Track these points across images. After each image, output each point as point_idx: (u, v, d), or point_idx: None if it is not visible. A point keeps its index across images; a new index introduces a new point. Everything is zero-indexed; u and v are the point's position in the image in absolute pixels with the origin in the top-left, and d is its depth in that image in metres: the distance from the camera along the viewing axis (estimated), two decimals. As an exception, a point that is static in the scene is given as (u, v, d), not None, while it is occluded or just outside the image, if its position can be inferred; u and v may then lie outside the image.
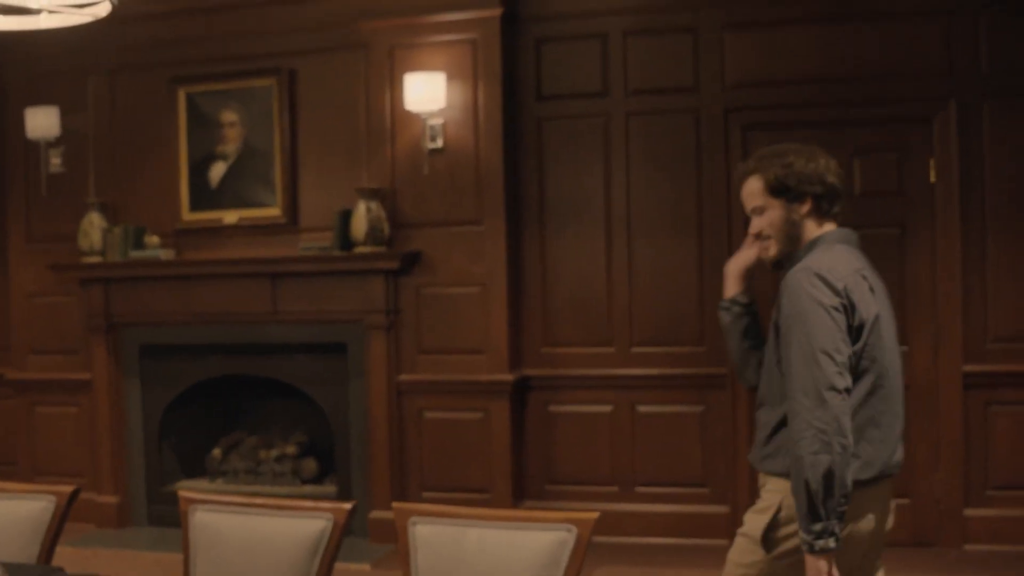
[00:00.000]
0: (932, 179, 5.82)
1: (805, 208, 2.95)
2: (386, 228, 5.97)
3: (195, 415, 6.70)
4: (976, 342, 5.77)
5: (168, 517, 6.19)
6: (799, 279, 2.80)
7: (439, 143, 5.99)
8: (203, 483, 6.57)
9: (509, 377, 5.95)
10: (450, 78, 5.94)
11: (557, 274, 6.13)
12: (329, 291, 6.11)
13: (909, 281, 5.86)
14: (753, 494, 3.05)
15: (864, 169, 5.90)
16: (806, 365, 2.73)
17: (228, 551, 2.95)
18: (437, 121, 5.97)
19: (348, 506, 2.93)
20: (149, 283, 6.42)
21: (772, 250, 2.96)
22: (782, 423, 2.86)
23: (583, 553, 2.66)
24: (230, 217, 6.35)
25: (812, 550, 2.66)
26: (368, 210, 5.92)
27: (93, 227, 6.46)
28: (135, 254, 6.37)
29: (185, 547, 2.98)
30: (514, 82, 6.12)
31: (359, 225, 5.92)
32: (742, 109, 5.97)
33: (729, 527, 5.45)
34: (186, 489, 6.38)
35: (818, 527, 2.66)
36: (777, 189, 2.94)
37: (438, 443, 6.06)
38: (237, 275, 6.23)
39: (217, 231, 6.39)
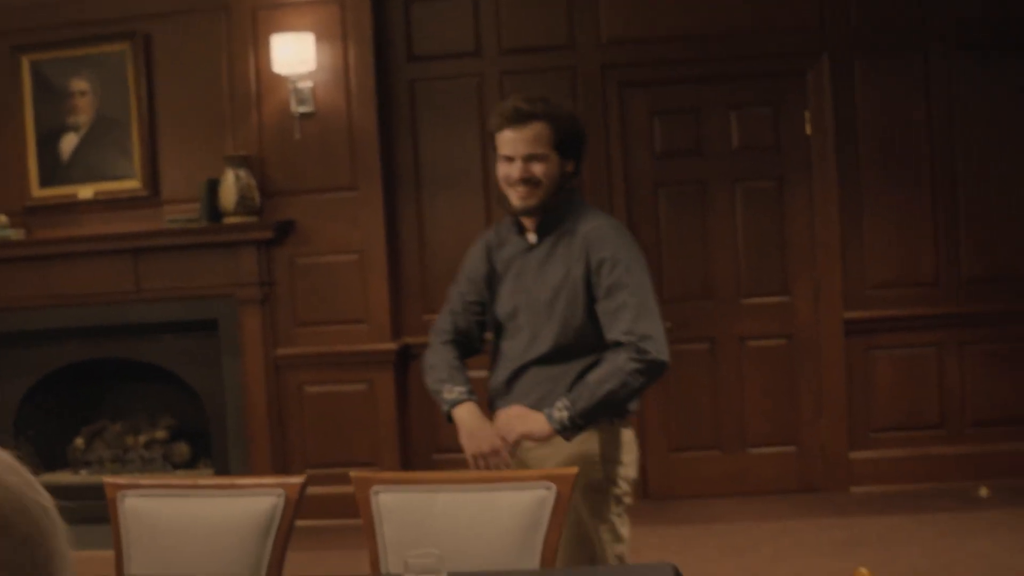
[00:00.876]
0: (808, 132, 5.97)
1: (570, 167, 3.08)
2: (256, 197, 5.81)
3: (54, 404, 6.41)
4: (855, 290, 5.96)
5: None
6: (615, 229, 3.09)
7: (309, 107, 5.86)
8: (66, 475, 6.30)
9: (392, 346, 5.88)
10: (318, 39, 5.81)
11: (435, 240, 6.07)
12: (197, 265, 5.92)
13: (788, 233, 6.01)
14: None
15: (741, 123, 6.03)
16: (651, 310, 3.00)
17: (168, 539, 2.76)
18: (306, 84, 5.84)
19: (299, 479, 2.80)
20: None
21: (533, 200, 3.02)
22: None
23: (563, 511, 2.63)
24: (85, 192, 6.08)
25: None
26: (237, 178, 5.75)
27: (-68, 208, 6.10)
28: (-19, 235, 6.04)
29: (116, 539, 2.76)
30: (384, 43, 6.03)
31: (228, 195, 5.75)
32: (618, 66, 6.01)
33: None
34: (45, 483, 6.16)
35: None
36: (564, 143, 3.03)
37: (321, 418, 5.95)
38: (96, 252, 5.97)
39: (71, 207, 6.11)
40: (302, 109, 5.84)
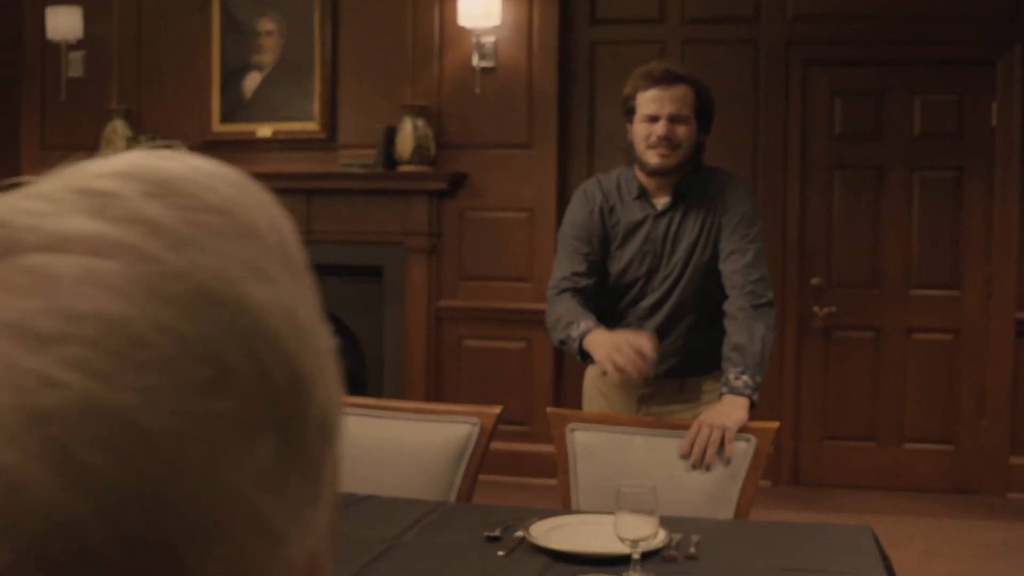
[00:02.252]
0: (993, 123, 5.92)
1: (703, 137, 3.22)
2: (432, 148, 6.00)
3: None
4: (1031, 290, 5.91)
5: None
6: (743, 183, 3.26)
7: (491, 62, 6.01)
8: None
9: (554, 307, 6.00)
10: (505, -6, 5.96)
11: (603, 205, 6.16)
12: (368, 211, 6.13)
13: (964, 225, 5.98)
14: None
15: (923, 109, 6.00)
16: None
17: (363, 459, 2.92)
18: (489, 39, 5.99)
19: (495, 410, 2.95)
20: (175, 196, 6.38)
21: (672, 160, 3.12)
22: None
23: (761, 464, 2.75)
24: (264, 130, 6.34)
25: None
26: (414, 128, 5.94)
27: (117, 135, 6.42)
28: (162, 165, 6.32)
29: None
30: (568, 3, 6.15)
31: (404, 143, 5.94)
32: (803, 43, 6.04)
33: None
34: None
35: None
36: (702, 112, 3.17)
37: (477, 373, 6.12)
38: (271, 191, 6.18)
39: (250, 144, 6.38)
40: (483, 64, 6.00)
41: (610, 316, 3.29)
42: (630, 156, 3.20)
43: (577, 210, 3.28)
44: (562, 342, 3.10)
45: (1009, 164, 5.90)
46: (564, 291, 3.20)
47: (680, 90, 3.09)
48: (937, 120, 6.01)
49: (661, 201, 3.21)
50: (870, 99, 6.06)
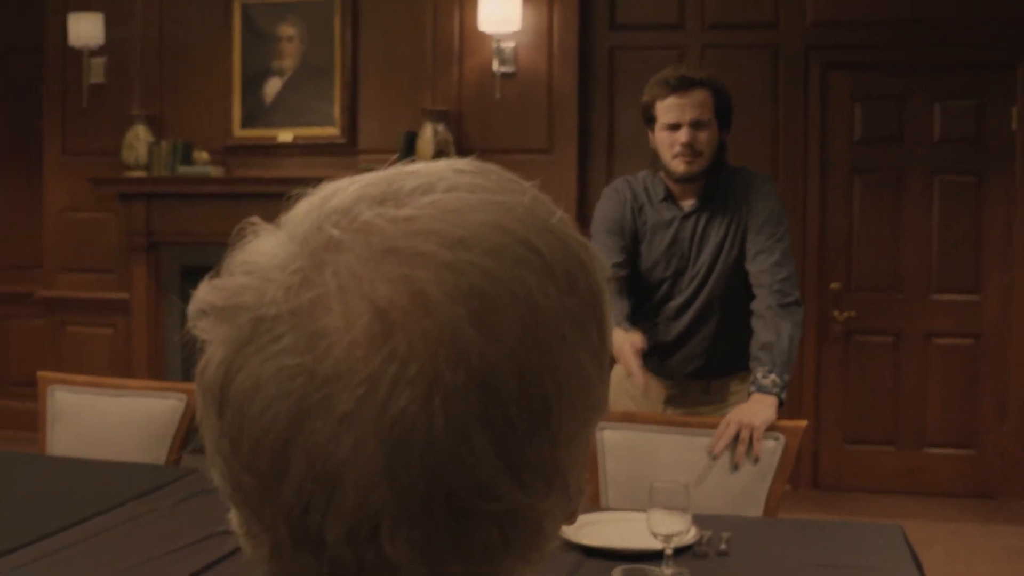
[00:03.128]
0: (1013, 127, 5.93)
1: (724, 136, 3.22)
2: (452, 152, 6.02)
3: (237, 340, 6.72)
4: (1051, 294, 5.92)
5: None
6: (767, 181, 3.25)
7: (511, 67, 6.05)
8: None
9: (575, 310, 6.02)
10: (525, 0, 5.98)
11: (622, 209, 6.19)
12: (389, 216, 6.13)
13: (984, 230, 6.00)
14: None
15: (943, 115, 6.02)
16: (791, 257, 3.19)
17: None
18: (509, 44, 6.02)
19: None
20: (195, 201, 6.44)
21: (697, 166, 3.14)
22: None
23: (790, 462, 2.77)
24: (284, 135, 6.38)
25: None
26: (435, 133, 5.97)
27: (139, 140, 6.47)
28: (183, 169, 6.38)
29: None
30: (588, 8, 6.19)
31: (425, 148, 5.97)
32: (822, 48, 6.06)
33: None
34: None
35: None
36: (722, 112, 3.17)
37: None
38: (290, 195, 6.22)
39: (270, 149, 6.42)
40: (504, 69, 6.03)
41: (638, 316, 3.32)
42: (655, 164, 3.22)
43: (609, 205, 3.31)
44: None
45: (1029, 169, 5.92)
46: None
47: (698, 95, 3.11)
48: (957, 125, 6.02)
49: (688, 203, 3.24)
50: (890, 104, 6.08)
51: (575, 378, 0.64)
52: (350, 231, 0.63)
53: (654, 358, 3.30)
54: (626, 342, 2.98)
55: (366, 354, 0.59)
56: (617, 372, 3.40)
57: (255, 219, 0.69)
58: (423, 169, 0.68)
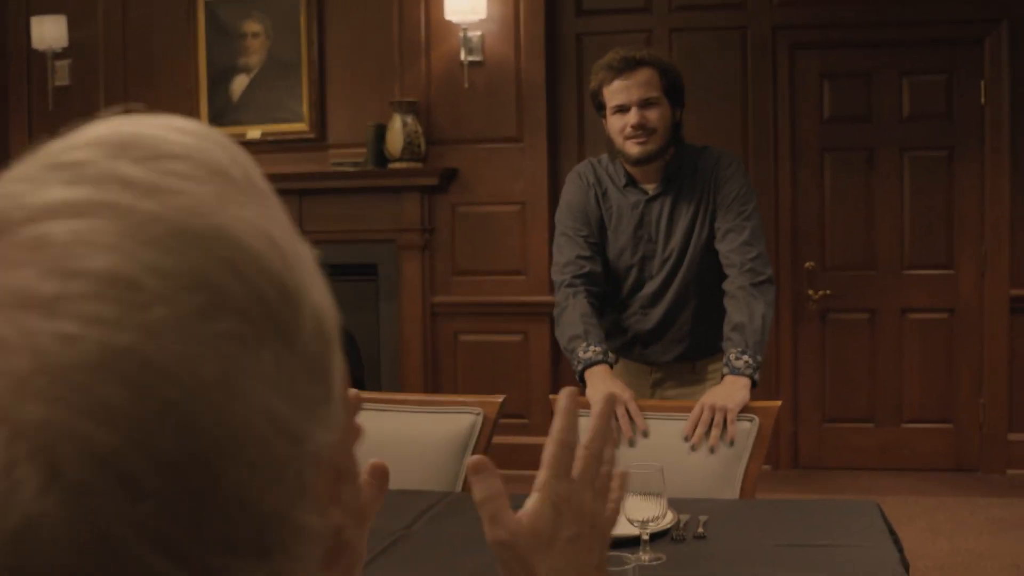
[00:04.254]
0: (982, 101, 5.95)
1: (678, 115, 3.18)
2: (422, 144, 6.01)
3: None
4: (1023, 266, 5.93)
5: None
6: (734, 159, 3.23)
7: (478, 56, 6.03)
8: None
9: (549, 299, 5.98)
10: (490, -12, 5.97)
11: (595, 195, 6.19)
12: (360, 209, 6.14)
13: (956, 205, 6.01)
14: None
15: (912, 90, 6.03)
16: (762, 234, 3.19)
17: (367, 453, 2.93)
18: (476, 33, 6.00)
19: (498, 399, 2.98)
20: (166, 201, 6.37)
21: (652, 145, 3.11)
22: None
23: (765, 443, 2.77)
24: (253, 132, 6.35)
25: None
26: (404, 124, 5.95)
27: (106, 142, 6.40)
28: (152, 170, 6.32)
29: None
30: (554, -6, 6.16)
31: (394, 140, 5.95)
32: (790, 28, 6.06)
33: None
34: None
35: None
36: (671, 89, 3.13)
37: (474, 367, 6.14)
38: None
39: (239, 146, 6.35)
40: (471, 58, 6.01)
41: (614, 306, 3.30)
42: (611, 150, 3.20)
43: (573, 192, 3.28)
44: (567, 349, 3.14)
45: (999, 142, 5.93)
46: (574, 282, 3.17)
47: (643, 74, 3.07)
48: (926, 100, 6.03)
49: (651, 186, 3.22)
50: (858, 81, 6.08)
51: (244, 422, 0.48)
52: None
53: (636, 348, 3.30)
54: (621, 401, 2.96)
55: None
56: None
57: None
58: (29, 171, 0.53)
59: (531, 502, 0.95)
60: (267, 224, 0.52)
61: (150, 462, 0.45)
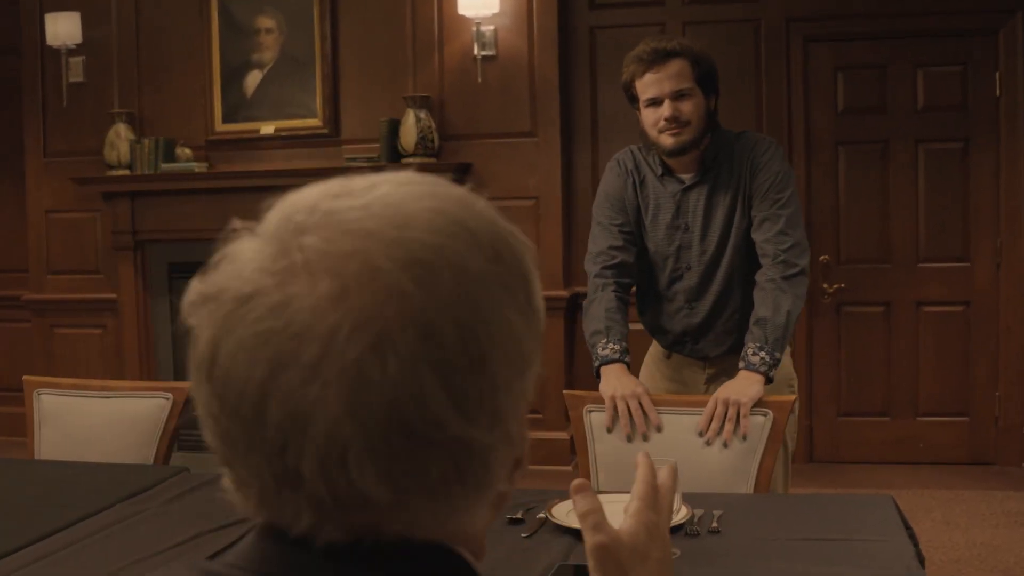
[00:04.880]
0: (997, 93, 5.92)
1: (712, 103, 3.15)
2: (435, 139, 6.01)
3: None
4: (1040, 258, 5.92)
5: (201, 442, 6.21)
6: (771, 143, 3.16)
7: (491, 51, 6.02)
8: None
9: (563, 293, 6.03)
10: (503, -18, 5.97)
11: (608, 189, 6.18)
12: (374, 205, 6.11)
13: (971, 196, 6.00)
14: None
15: (927, 82, 6.01)
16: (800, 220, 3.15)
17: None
18: (489, 27, 6.00)
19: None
20: (180, 197, 6.41)
21: (687, 136, 3.08)
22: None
23: (779, 438, 2.76)
24: (266, 128, 6.36)
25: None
26: (417, 119, 5.95)
27: (120, 139, 6.44)
28: (166, 166, 6.36)
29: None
30: (567, -12, 6.16)
31: (408, 135, 5.95)
32: (803, 20, 6.04)
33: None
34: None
35: None
36: (704, 78, 3.10)
37: (488, 362, 6.11)
38: (276, 187, 6.11)
39: (253, 142, 6.40)
40: (484, 52, 6.01)
41: (654, 298, 3.28)
42: (646, 142, 3.17)
43: (611, 181, 3.26)
44: (589, 343, 3.15)
45: (1014, 133, 5.91)
46: (604, 273, 3.17)
47: (675, 66, 3.04)
48: (941, 92, 6.01)
49: (688, 176, 3.18)
50: (873, 73, 6.06)
51: (504, 330, 0.77)
52: (312, 218, 0.76)
53: (687, 343, 3.27)
54: (636, 396, 2.97)
55: (325, 313, 0.72)
56: (656, 353, 3.39)
57: (236, 222, 0.80)
58: (370, 175, 0.81)
59: (627, 523, 1.12)
60: (526, 243, 0.83)
61: (450, 320, 0.73)
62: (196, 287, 0.78)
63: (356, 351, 0.71)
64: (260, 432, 0.74)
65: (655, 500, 1.14)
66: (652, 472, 1.17)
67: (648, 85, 3.06)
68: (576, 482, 1.09)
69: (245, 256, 0.76)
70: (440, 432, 0.73)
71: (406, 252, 0.74)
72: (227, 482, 0.81)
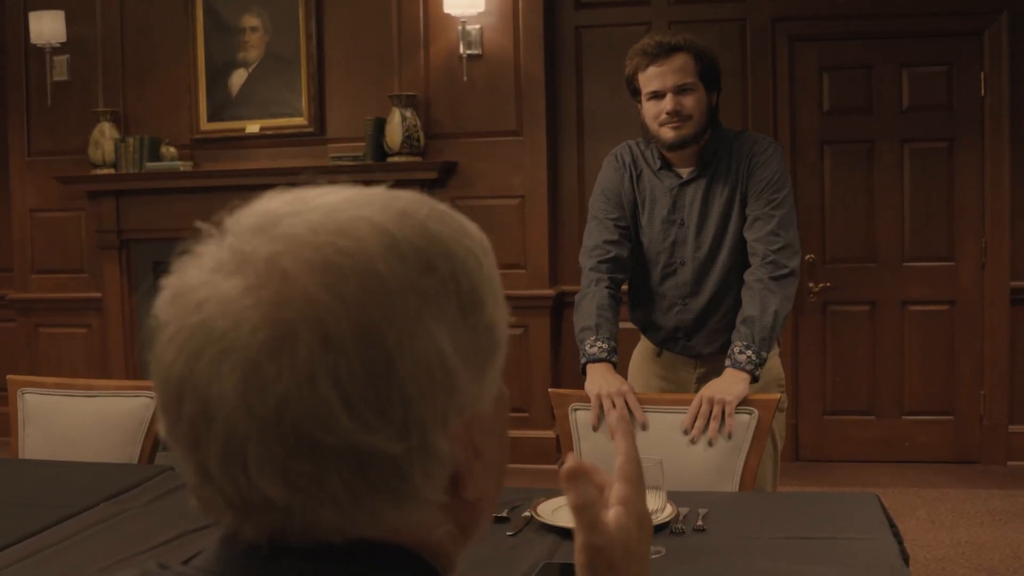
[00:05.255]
0: (982, 93, 5.94)
1: (714, 99, 3.16)
2: (421, 138, 6.01)
3: (212, 335, 6.69)
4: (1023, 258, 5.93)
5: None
6: (770, 143, 3.17)
7: (477, 49, 6.02)
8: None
9: (550, 292, 6.04)
10: (488, -20, 5.97)
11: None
12: (360, 203, 6.11)
13: (956, 196, 6.01)
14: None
15: (912, 82, 6.03)
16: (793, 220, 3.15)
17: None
18: (474, 26, 6.00)
19: None
20: (165, 196, 6.39)
21: (687, 130, 3.09)
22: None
23: (764, 436, 2.77)
24: (252, 126, 6.35)
25: None
26: (403, 118, 5.95)
27: (105, 138, 6.42)
28: (151, 165, 6.34)
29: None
30: (552, -12, 6.16)
31: (394, 134, 5.95)
32: (789, 19, 6.05)
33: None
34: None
35: None
36: (706, 73, 3.11)
37: (475, 361, 6.11)
38: (260, 186, 6.09)
39: (238, 141, 6.38)
40: (470, 51, 6.01)
41: (646, 294, 3.28)
42: (646, 135, 3.17)
43: (607, 175, 3.27)
44: (579, 338, 3.15)
45: (999, 133, 5.93)
46: (599, 267, 3.17)
47: (678, 60, 3.05)
48: (926, 92, 6.03)
49: (686, 170, 3.18)
50: (858, 73, 6.08)
51: (421, 341, 0.75)
52: (254, 221, 0.79)
53: (680, 340, 3.27)
54: (622, 394, 2.98)
55: (236, 310, 0.73)
56: (644, 351, 3.39)
57: (200, 223, 0.81)
58: (345, 188, 0.82)
59: (618, 516, 1.00)
60: (482, 257, 0.82)
61: (353, 329, 0.73)
62: (162, 283, 0.81)
63: (255, 347, 0.72)
64: (180, 426, 0.76)
65: (640, 481, 1.05)
66: (633, 443, 1.07)
67: (651, 78, 3.07)
68: (568, 467, 0.98)
69: (197, 255, 0.79)
70: (332, 436, 0.73)
71: (320, 256, 0.75)
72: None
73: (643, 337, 3.41)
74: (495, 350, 0.81)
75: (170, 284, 0.79)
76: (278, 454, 0.73)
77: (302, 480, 0.74)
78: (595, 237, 3.23)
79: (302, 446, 0.73)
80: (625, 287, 3.32)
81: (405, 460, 0.75)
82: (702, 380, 3.24)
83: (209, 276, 0.76)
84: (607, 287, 3.16)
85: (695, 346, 3.26)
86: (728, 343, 3.13)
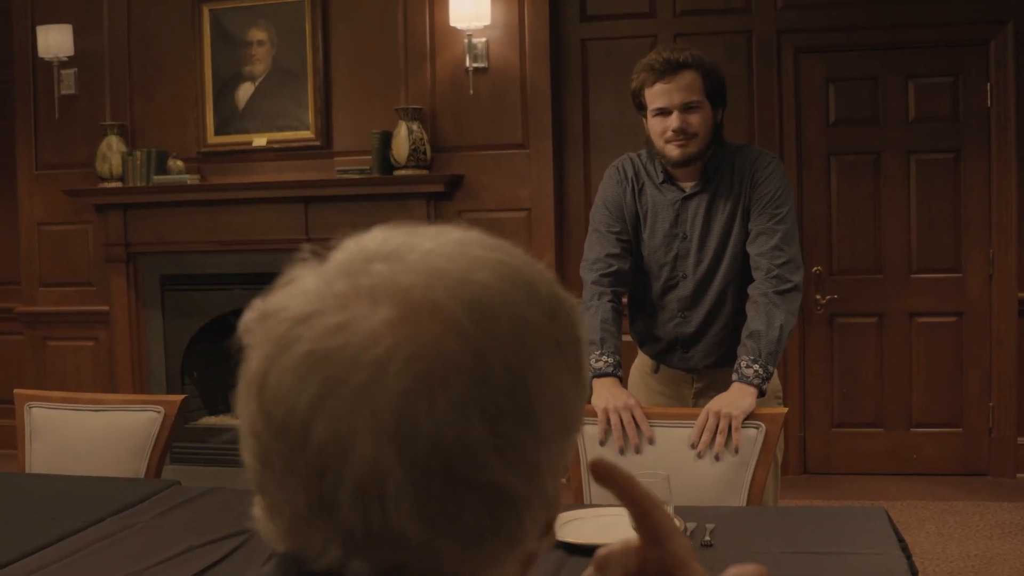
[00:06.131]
0: (988, 104, 5.94)
1: (720, 115, 3.15)
2: (428, 151, 6.01)
3: (220, 349, 6.68)
4: (1032, 269, 5.93)
5: (193, 455, 6.21)
6: (772, 158, 3.17)
7: (483, 62, 6.03)
8: (228, 420, 6.59)
9: (556, 305, 6.00)
10: (494, -6, 5.97)
11: (600, 201, 6.18)
12: (366, 216, 6.06)
13: (963, 207, 6.01)
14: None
15: (918, 93, 6.03)
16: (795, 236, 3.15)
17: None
18: (480, 39, 6.00)
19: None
20: (172, 209, 6.41)
21: (693, 148, 3.08)
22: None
23: (771, 450, 2.76)
24: (259, 140, 6.36)
25: None
26: (409, 131, 5.95)
27: (112, 151, 6.43)
28: (158, 179, 6.35)
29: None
30: (559, 0, 6.15)
31: (400, 147, 5.95)
32: (794, 31, 6.05)
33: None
34: (209, 426, 6.46)
35: None
36: (713, 91, 3.10)
37: (481, 373, 6.11)
38: (268, 199, 6.23)
39: (245, 154, 6.39)
40: (476, 64, 6.02)
41: (647, 306, 3.27)
42: (651, 150, 3.17)
43: (609, 187, 3.25)
44: None
45: (1005, 144, 5.92)
46: (601, 281, 3.17)
47: (686, 77, 3.04)
48: (932, 103, 6.03)
49: (689, 184, 3.18)
50: (864, 84, 6.08)
51: (553, 386, 0.77)
52: (383, 248, 0.79)
53: (676, 352, 3.27)
54: (629, 409, 2.97)
55: (381, 338, 0.72)
56: (642, 366, 3.38)
57: (305, 247, 0.82)
58: (438, 227, 0.83)
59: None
60: (582, 315, 0.84)
61: (504, 372, 0.74)
62: (257, 305, 0.79)
63: (406, 381, 0.72)
64: (302, 454, 0.74)
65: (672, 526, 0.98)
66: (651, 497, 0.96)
67: (657, 95, 3.06)
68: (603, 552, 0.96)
69: (309, 279, 0.78)
70: (480, 475, 0.73)
71: (469, 293, 0.75)
72: (257, 510, 0.80)
73: (640, 352, 3.40)
74: (585, 400, 0.84)
75: (276, 306, 0.77)
76: (422, 489, 0.72)
77: (439, 516, 0.73)
78: (597, 250, 3.22)
79: (447, 481, 0.73)
80: (625, 299, 3.31)
81: (526, 503, 0.76)
82: (700, 395, 3.25)
83: (337, 300, 0.75)
84: (610, 301, 3.15)
85: (692, 358, 3.26)
86: (725, 356, 3.15)
